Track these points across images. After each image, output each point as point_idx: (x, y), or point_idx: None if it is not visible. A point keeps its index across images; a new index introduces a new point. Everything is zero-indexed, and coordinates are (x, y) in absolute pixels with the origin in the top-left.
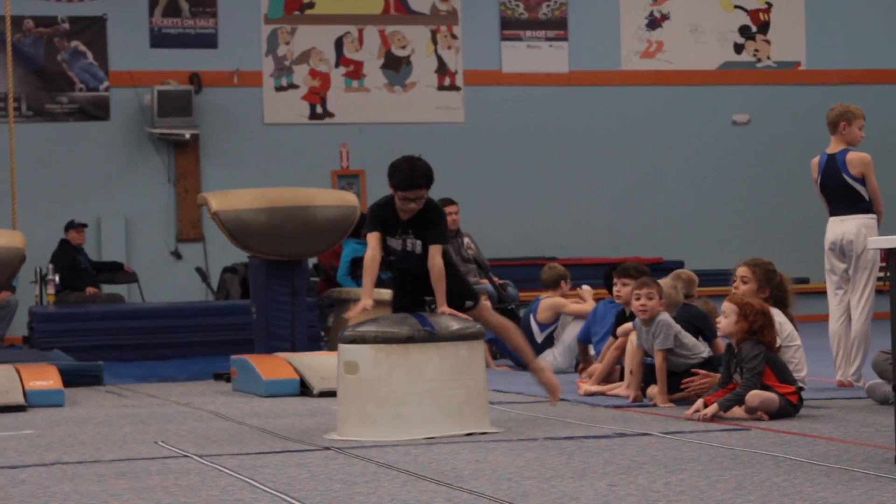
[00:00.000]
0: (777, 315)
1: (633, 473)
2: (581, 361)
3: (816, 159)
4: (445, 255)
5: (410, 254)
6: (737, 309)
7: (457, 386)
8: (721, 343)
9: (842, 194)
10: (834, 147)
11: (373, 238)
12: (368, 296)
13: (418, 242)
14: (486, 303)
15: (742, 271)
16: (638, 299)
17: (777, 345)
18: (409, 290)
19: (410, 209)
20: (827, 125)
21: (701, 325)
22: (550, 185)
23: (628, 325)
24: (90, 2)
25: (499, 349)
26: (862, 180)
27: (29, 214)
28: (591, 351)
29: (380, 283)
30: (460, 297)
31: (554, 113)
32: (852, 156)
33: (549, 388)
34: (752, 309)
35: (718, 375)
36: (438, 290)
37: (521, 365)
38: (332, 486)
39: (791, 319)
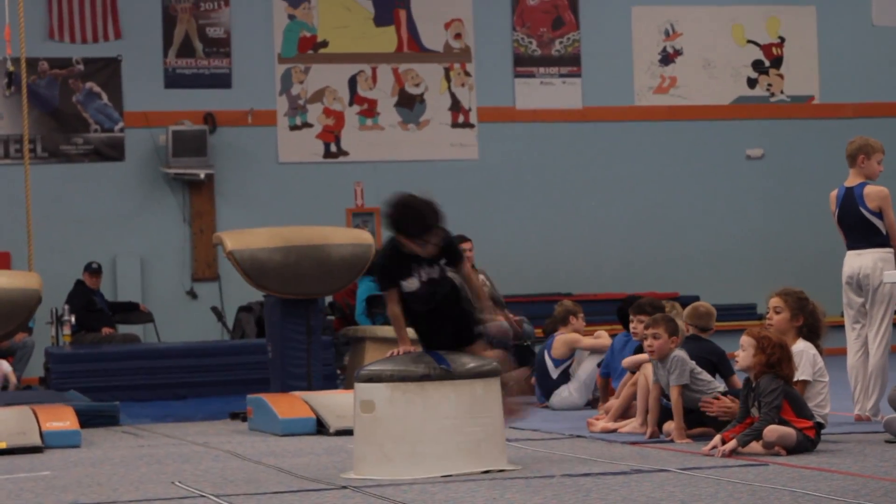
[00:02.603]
0: (810, 348)
1: None
2: (601, 397)
3: (835, 192)
4: (460, 290)
5: (428, 288)
6: (754, 342)
7: (473, 423)
8: (738, 379)
9: (859, 228)
10: (852, 180)
11: (390, 298)
12: (407, 343)
13: (435, 268)
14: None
15: (774, 302)
16: (646, 339)
17: (802, 377)
18: (435, 338)
19: (430, 250)
20: (846, 158)
21: (717, 362)
22: (565, 221)
23: (635, 357)
24: (105, 43)
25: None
26: (879, 214)
27: (45, 255)
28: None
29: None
30: (470, 329)
31: (568, 149)
32: (870, 189)
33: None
34: (770, 342)
35: (738, 403)
36: (482, 302)
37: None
38: None
39: (821, 353)
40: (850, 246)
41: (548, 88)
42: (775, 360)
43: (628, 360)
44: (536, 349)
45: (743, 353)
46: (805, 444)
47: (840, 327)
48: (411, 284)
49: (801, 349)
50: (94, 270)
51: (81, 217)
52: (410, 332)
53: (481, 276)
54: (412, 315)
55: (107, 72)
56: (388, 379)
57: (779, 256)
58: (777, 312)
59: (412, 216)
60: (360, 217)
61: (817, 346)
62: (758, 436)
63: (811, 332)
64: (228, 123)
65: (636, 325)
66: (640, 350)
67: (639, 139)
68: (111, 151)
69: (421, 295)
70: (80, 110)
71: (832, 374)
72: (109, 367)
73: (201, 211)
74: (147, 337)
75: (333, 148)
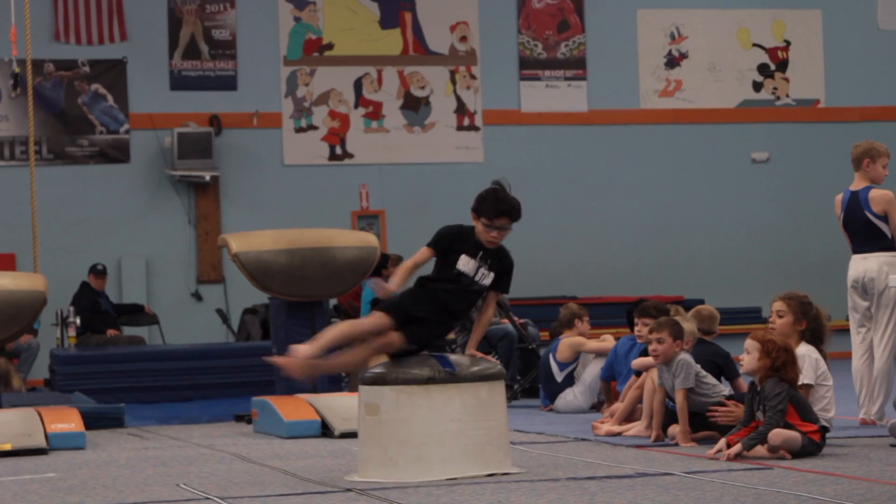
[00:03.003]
0: (812, 352)
1: None
2: (605, 400)
3: (840, 196)
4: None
5: (474, 283)
6: (759, 346)
7: (478, 427)
8: (743, 382)
9: (864, 231)
10: (857, 184)
11: (426, 252)
12: (398, 285)
13: (490, 275)
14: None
15: (777, 305)
16: (650, 343)
17: (805, 381)
18: (438, 309)
19: (493, 238)
20: (851, 162)
21: (722, 364)
22: (570, 225)
23: (645, 359)
24: (110, 45)
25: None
26: (885, 218)
27: (50, 257)
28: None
29: None
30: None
31: (573, 152)
32: (875, 193)
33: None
34: (775, 346)
35: (743, 407)
36: (476, 334)
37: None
38: None
39: (825, 357)
40: (855, 250)
41: (553, 91)
42: (780, 364)
43: (638, 362)
44: (542, 352)
45: (748, 356)
46: (810, 448)
47: (845, 331)
48: (467, 263)
49: (803, 353)
50: (99, 272)
51: (87, 219)
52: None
53: None
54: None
55: (112, 74)
56: (393, 382)
57: (784, 260)
58: (780, 316)
59: (494, 197)
60: (365, 219)
61: (821, 351)
62: (763, 439)
63: (814, 336)
64: (234, 125)
65: (640, 328)
66: (645, 353)
67: (644, 142)
68: (116, 153)
69: (466, 277)
70: (86, 112)
71: (837, 377)
72: (114, 369)
73: (206, 213)
74: (152, 339)
75: (339, 150)
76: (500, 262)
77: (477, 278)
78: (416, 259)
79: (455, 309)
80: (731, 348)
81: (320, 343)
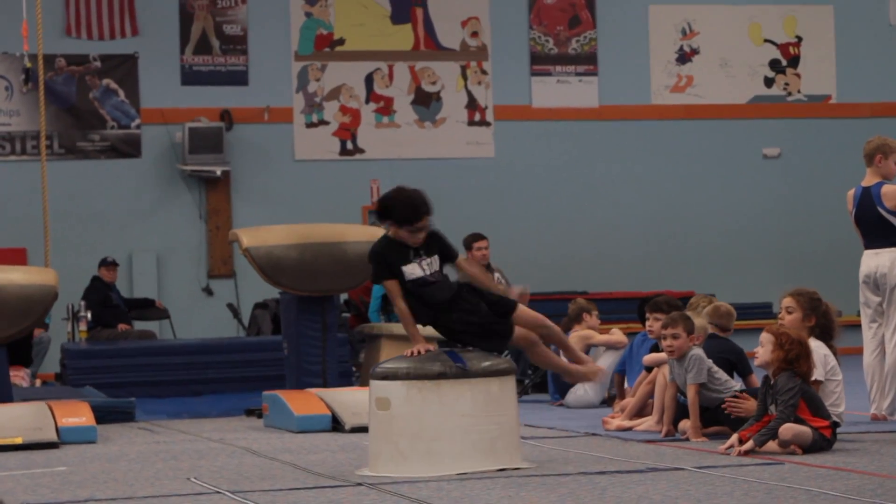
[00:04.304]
0: (821, 348)
1: None
2: (617, 395)
3: (852, 192)
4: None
5: (428, 280)
6: (773, 339)
7: (489, 422)
8: (755, 378)
9: (876, 227)
10: (869, 180)
11: (392, 287)
12: (421, 341)
13: (435, 258)
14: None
15: (787, 301)
16: (665, 339)
17: (814, 377)
18: (435, 310)
19: (419, 238)
20: (863, 157)
21: (735, 360)
22: (581, 220)
23: (656, 355)
24: (122, 40)
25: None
26: None
27: (61, 251)
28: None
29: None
30: (498, 302)
31: (584, 148)
32: (887, 189)
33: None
34: (789, 338)
35: (754, 400)
36: (485, 280)
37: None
38: None
39: (834, 353)
40: (867, 245)
41: (564, 87)
42: (793, 357)
43: (649, 358)
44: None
45: (762, 349)
46: (821, 443)
47: (856, 327)
48: (413, 270)
49: (813, 349)
50: (109, 264)
51: (98, 213)
52: (429, 329)
53: (496, 275)
54: (433, 309)
55: (124, 69)
56: (404, 377)
57: (795, 256)
58: (789, 312)
59: (402, 201)
60: (375, 214)
61: (830, 346)
62: (774, 435)
63: (824, 332)
64: (245, 121)
65: (652, 323)
66: (656, 348)
67: (655, 138)
68: (128, 148)
69: (432, 282)
70: (97, 107)
71: (848, 373)
72: (125, 363)
73: (217, 208)
74: (163, 333)
75: (350, 145)
76: (432, 243)
77: (429, 275)
78: (395, 298)
79: (441, 301)
80: (741, 344)
81: None
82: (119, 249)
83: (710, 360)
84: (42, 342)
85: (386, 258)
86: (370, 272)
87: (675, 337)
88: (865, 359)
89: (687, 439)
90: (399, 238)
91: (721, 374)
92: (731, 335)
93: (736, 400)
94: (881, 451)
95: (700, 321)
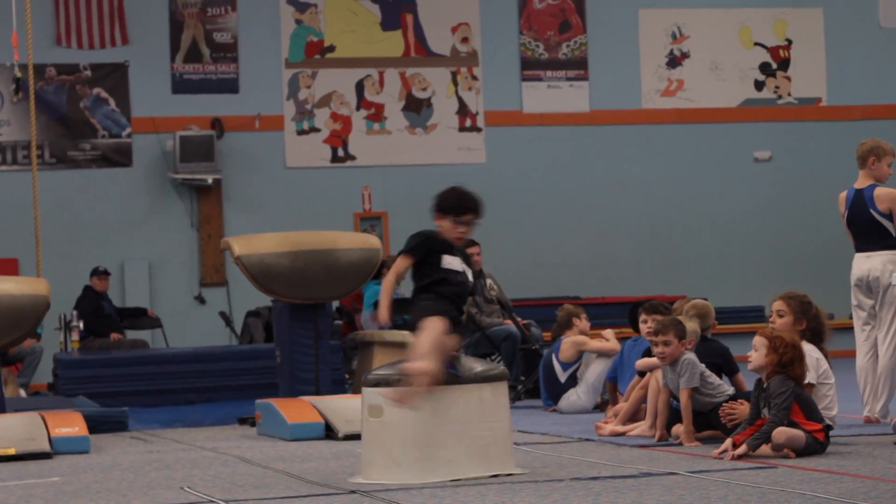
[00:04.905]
0: (814, 352)
1: None
2: (609, 401)
3: (844, 194)
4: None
5: (461, 275)
6: (767, 342)
7: (482, 428)
8: (742, 378)
9: (869, 230)
10: (862, 182)
11: (405, 264)
12: (386, 318)
13: (469, 270)
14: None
15: (777, 305)
16: (656, 346)
17: (806, 380)
18: (458, 308)
19: (461, 234)
20: (856, 159)
21: (721, 361)
22: (572, 225)
23: (649, 359)
24: (112, 49)
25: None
26: (889, 216)
27: (53, 261)
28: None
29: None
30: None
31: (575, 152)
32: (880, 191)
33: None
34: (783, 342)
35: (747, 404)
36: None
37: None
38: None
39: (826, 356)
40: (858, 248)
41: (555, 92)
42: (787, 360)
43: (642, 363)
44: (544, 353)
45: (755, 353)
46: (814, 447)
47: (849, 329)
48: (453, 262)
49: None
50: (101, 273)
51: (89, 223)
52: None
53: (489, 280)
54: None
55: (114, 77)
56: (397, 384)
57: (787, 259)
58: (780, 316)
59: (453, 191)
60: (367, 221)
61: (821, 350)
62: (767, 438)
63: (814, 335)
64: (236, 128)
65: (651, 325)
66: (648, 352)
67: (646, 142)
68: (119, 157)
69: (458, 272)
70: (88, 116)
71: (841, 376)
72: (118, 372)
73: (209, 216)
74: (155, 342)
75: (341, 152)
76: (465, 254)
77: (465, 272)
78: (397, 271)
79: (461, 304)
80: (733, 347)
81: (433, 353)
82: (111, 258)
83: (703, 365)
84: (34, 352)
85: (432, 241)
86: (363, 279)
87: (666, 344)
88: (858, 361)
89: (680, 444)
90: (444, 232)
91: (713, 379)
92: (720, 338)
93: (730, 406)
94: (874, 453)
95: (692, 325)
